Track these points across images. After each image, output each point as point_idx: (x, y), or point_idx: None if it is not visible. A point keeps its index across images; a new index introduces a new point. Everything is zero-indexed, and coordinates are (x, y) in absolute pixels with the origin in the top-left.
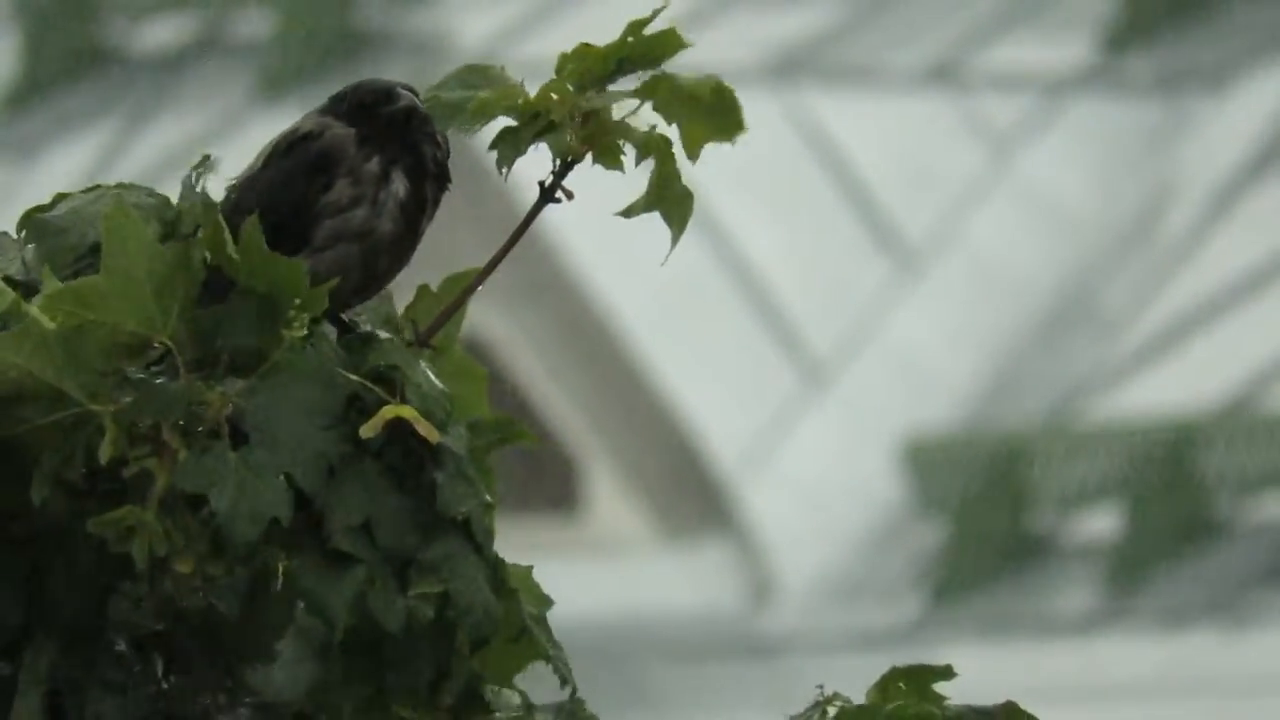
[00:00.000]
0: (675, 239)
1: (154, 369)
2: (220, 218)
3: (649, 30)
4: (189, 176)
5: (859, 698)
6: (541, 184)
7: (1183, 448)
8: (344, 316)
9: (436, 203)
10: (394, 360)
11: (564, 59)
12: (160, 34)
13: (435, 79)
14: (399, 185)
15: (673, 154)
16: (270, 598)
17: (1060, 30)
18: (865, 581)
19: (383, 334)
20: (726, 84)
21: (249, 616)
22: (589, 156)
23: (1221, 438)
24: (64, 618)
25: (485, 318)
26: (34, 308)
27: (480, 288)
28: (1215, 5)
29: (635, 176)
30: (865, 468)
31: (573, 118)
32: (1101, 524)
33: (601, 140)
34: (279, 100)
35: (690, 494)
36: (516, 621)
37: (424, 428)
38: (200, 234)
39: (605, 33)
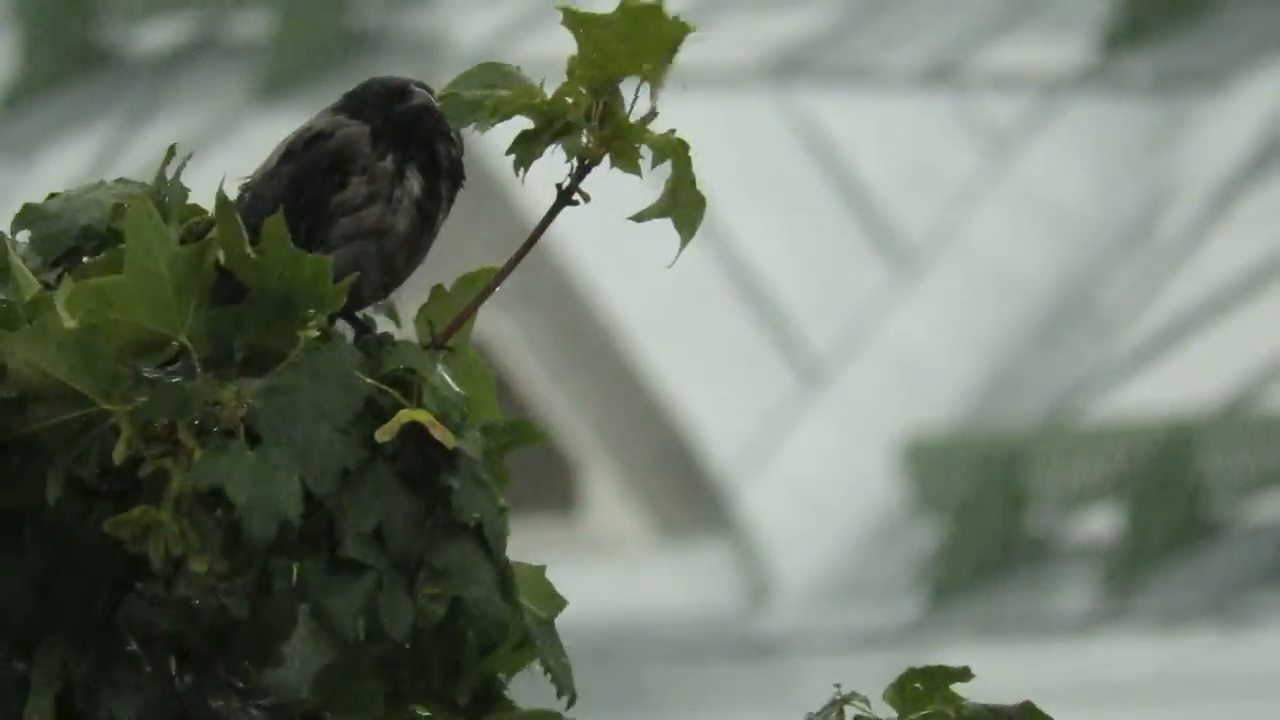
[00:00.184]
0: (684, 244)
1: (169, 369)
2: (237, 217)
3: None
4: (162, 170)
5: None
6: (559, 186)
7: (1181, 448)
8: (360, 315)
9: (451, 200)
10: (411, 363)
11: (574, 61)
12: (158, 35)
13: (435, 79)
14: (413, 182)
15: (689, 158)
16: (275, 601)
17: (1058, 30)
18: (864, 582)
19: (399, 336)
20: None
21: (256, 619)
22: (605, 159)
23: (1220, 438)
24: (76, 617)
25: (484, 318)
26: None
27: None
28: (1214, 5)
29: (635, 177)
30: (863, 468)
31: (589, 119)
32: (1100, 524)
33: (619, 144)
34: (277, 101)
35: (688, 494)
36: (519, 629)
37: (440, 432)
38: (214, 233)
39: None
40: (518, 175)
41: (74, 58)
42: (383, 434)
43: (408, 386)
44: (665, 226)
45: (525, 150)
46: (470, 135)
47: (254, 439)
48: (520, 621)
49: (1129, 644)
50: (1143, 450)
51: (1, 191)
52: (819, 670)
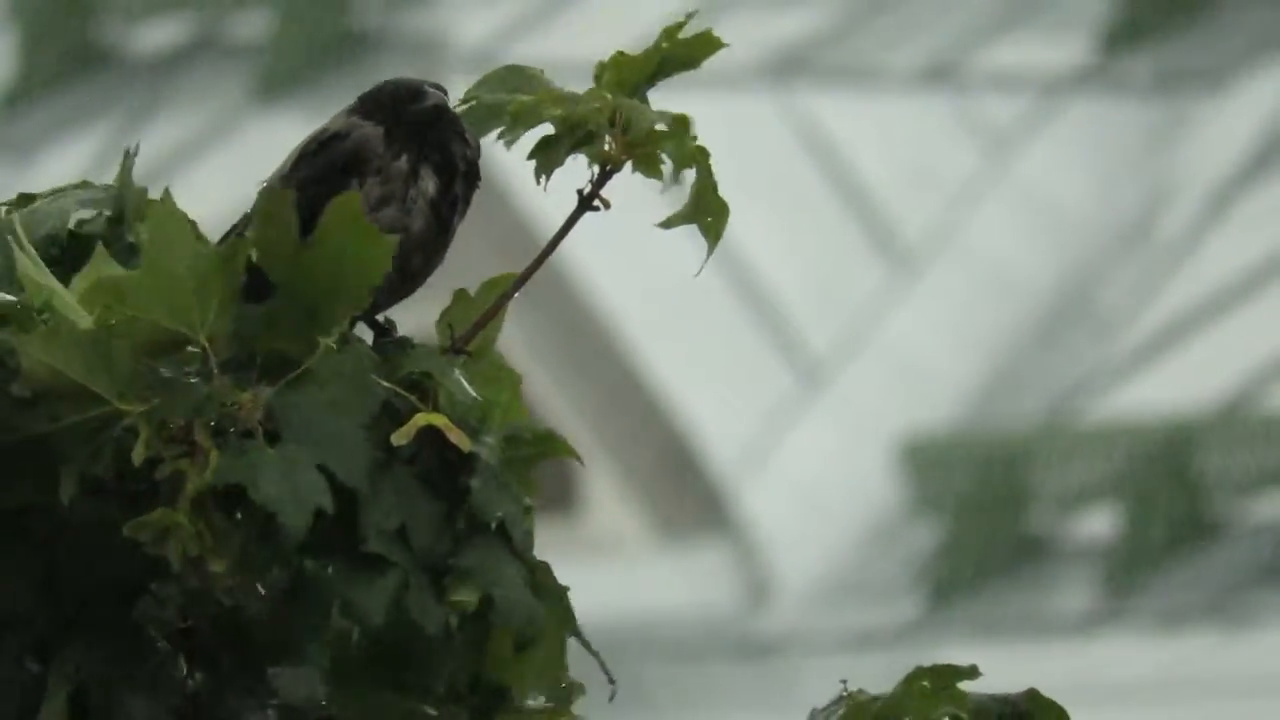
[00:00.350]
0: (710, 250)
1: (187, 370)
2: (292, 210)
3: (684, 34)
4: (124, 167)
5: None
6: (580, 192)
7: (1181, 448)
8: (379, 318)
9: (468, 201)
10: (427, 367)
11: (601, 67)
12: (157, 34)
13: (435, 78)
14: (429, 183)
15: (710, 166)
16: (304, 600)
17: (1058, 30)
18: (863, 582)
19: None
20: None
21: (281, 618)
22: (626, 165)
23: (1220, 438)
24: (91, 617)
25: None
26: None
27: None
28: (1214, 5)
29: (634, 177)
30: (863, 468)
31: (613, 126)
32: (1100, 524)
33: (641, 150)
34: (276, 101)
35: (688, 494)
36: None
37: (456, 436)
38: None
39: (604, 33)
40: (539, 183)
41: (74, 58)
42: (399, 437)
43: (425, 390)
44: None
45: (547, 157)
46: (509, 144)
47: (272, 439)
48: (566, 609)
49: (1129, 644)
50: (1143, 450)
51: (1, 191)
52: (819, 670)
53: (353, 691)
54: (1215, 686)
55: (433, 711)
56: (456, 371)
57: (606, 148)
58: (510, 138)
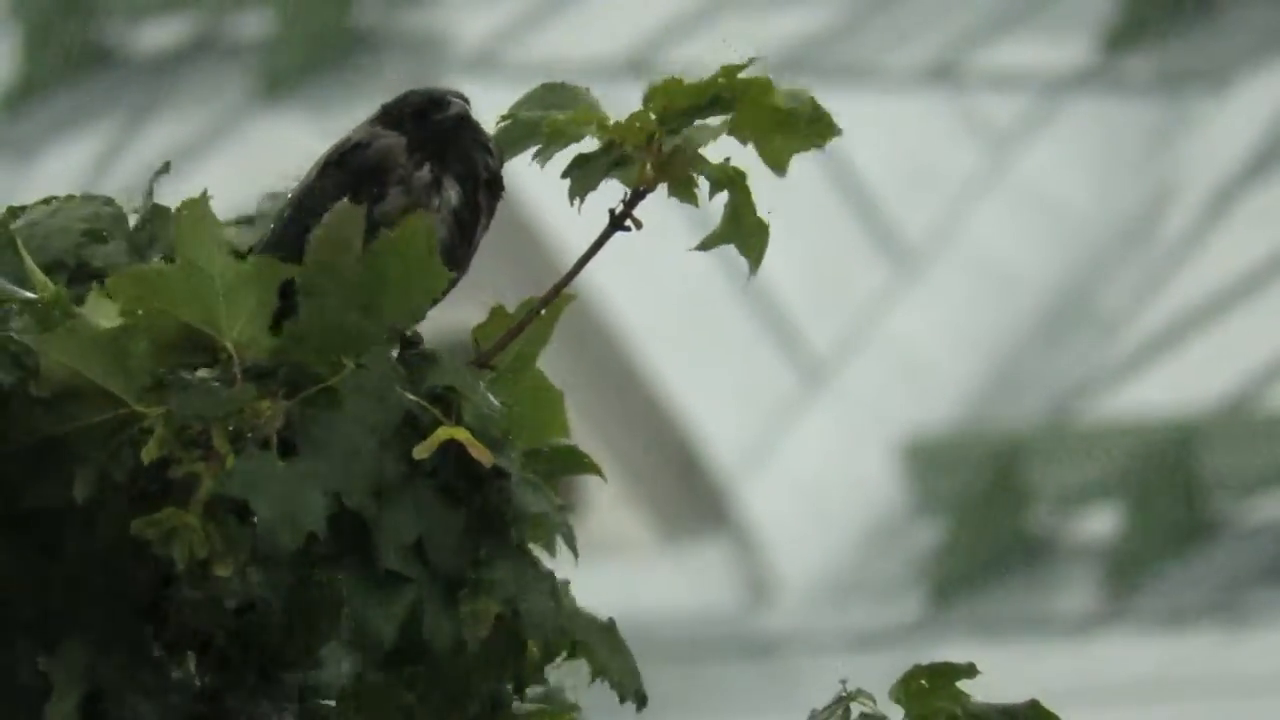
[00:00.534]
0: (753, 270)
1: (208, 374)
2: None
3: (742, 75)
4: (150, 183)
5: None
6: (612, 211)
7: (1182, 448)
8: (405, 330)
9: (492, 211)
10: (452, 381)
11: (653, 90)
12: (159, 34)
13: (435, 78)
14: (451, 193)
15: (748, 185)
16: (317, 605)
17: (1060, 30)
18: (864, 581)
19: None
20: (812, 96)
21: (294, 623)
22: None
23: (1221, 438)
24: (104, 617)
25: (482, 316)
26: (91, 301)
27: (479, 287)
28: (1215, 5)
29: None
30: (864, 467)
31: (649, 148)
32: (1101, 524)
33: (676, 173)
34: (278, 101)
35: (689, 493)
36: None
37: (478, 450)
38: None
39: (604, 33)
40: (572, 204)
41: (74, 57)
42: (421, 450)
43: (448, 403)
44: (665, 228)
45: (582, 176)
46: (544, 163)
47: (288, 449)
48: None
49: (1130, 643)
50: (1144, 449)
51: (1, 191)
52: (820, 669)
53: (371, 701)
54: (1216, 686)
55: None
56: (482, 385)
57: (644, 170)
58: (543, 157)
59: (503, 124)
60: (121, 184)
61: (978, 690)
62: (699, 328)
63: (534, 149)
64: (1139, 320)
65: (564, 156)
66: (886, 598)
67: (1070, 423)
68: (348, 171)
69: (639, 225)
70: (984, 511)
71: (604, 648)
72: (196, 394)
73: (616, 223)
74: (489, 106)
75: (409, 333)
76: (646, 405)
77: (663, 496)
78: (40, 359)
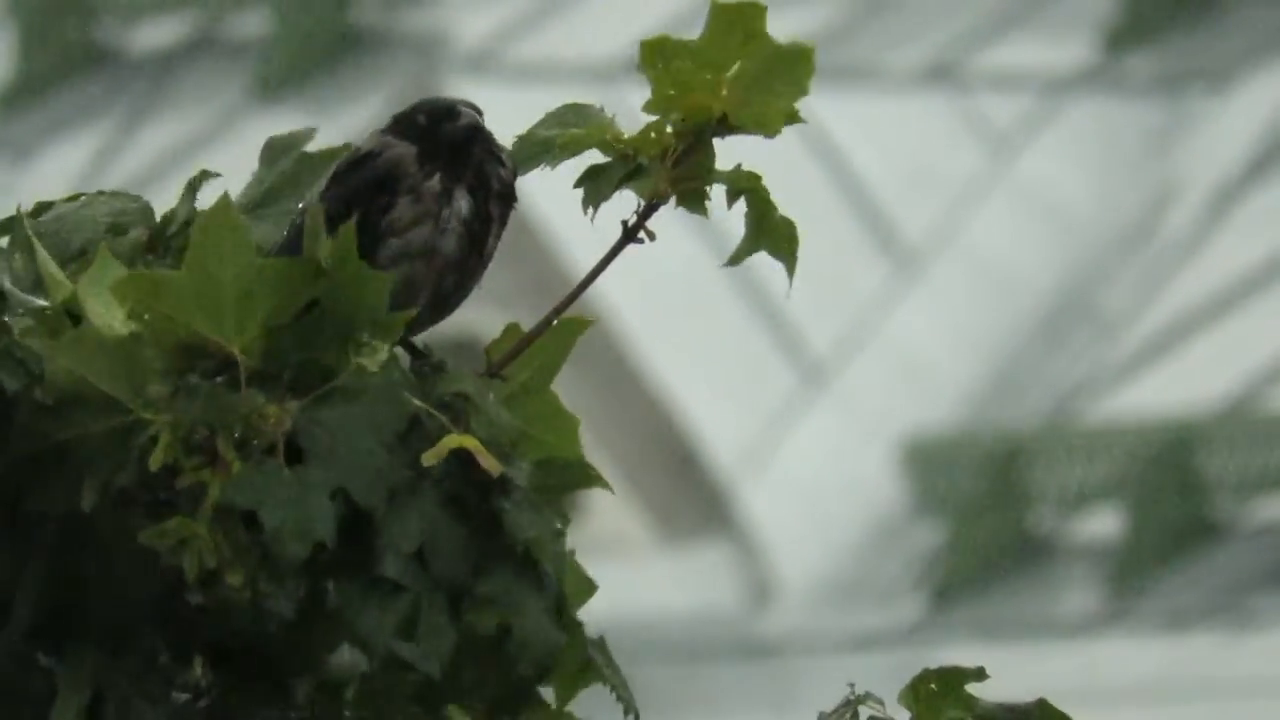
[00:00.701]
0: (791, 271)
1: (215, 380)
2: (322, 227)
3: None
4: (189, 189)
5: None
6: (625, 223)
7: (1183, 448)
8: (415, 341)
9: (503, 221)
10: (462, 389)
11: (647, 46)
12: (156, 34)
13: (435, 78)
14: (462, 203)
15: (764, 188)
16: (321, 615)
17: (1060, 30)
18: (865, 582)
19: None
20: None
21: (299, 631)
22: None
23: (1222, 438)
24: (108, 625)
25: (483, 318)
26: (94, 306)
27: (479, 287)
28: (1215, 5)
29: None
30: (865, 468)
31: (664, 159)
32: (1102, 525)
33: (689, 185)
34: (275, 100)
35: (689, 495)
36: (581, 654)
37: (486, 459)
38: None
39: (604, 33)
40: (586, 214)
41: (72, 57)
42: (429, 458)
43: (458, 413)
44: (666, 229)
45: (595, 188)
46: (553, 167)
47: (294, 455)
48: (581, 646)
49: (1131, 645)
50: (1145, 450)
51: (1, 191)
52: (820, 671)
53: (379, 706)
54: (1218, 687)
55: (457, 712)
56: (491, 395)
57: (658, 182)
58: (554, 161)
59: (516, 142)
60: (119, 183)
61: (979, 692)
62: (700, 328)
63: (545, 165)
64: (1139, 321)
65: (571, 167)
66: (887, 599)
67: (1071, 424)
68: (358, 180)
69: (652, 237)
70: (985, 513)
71: (601, 661)
72: (202, 400)
73: (630, 234)
74: (487, 106)
75: (419, 344)
76: (648, 406)
77: (663, 497)
78: (46, 365)
